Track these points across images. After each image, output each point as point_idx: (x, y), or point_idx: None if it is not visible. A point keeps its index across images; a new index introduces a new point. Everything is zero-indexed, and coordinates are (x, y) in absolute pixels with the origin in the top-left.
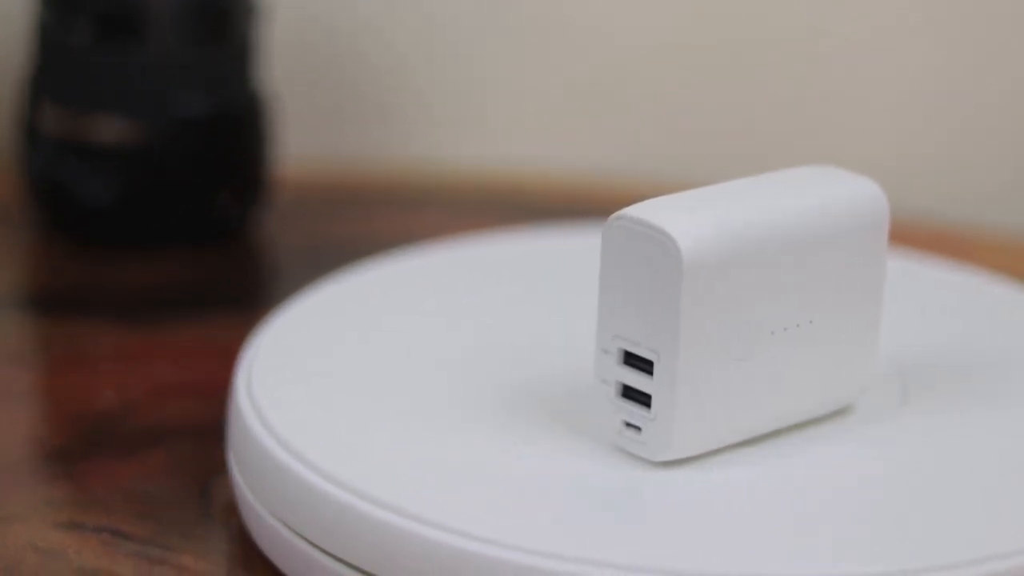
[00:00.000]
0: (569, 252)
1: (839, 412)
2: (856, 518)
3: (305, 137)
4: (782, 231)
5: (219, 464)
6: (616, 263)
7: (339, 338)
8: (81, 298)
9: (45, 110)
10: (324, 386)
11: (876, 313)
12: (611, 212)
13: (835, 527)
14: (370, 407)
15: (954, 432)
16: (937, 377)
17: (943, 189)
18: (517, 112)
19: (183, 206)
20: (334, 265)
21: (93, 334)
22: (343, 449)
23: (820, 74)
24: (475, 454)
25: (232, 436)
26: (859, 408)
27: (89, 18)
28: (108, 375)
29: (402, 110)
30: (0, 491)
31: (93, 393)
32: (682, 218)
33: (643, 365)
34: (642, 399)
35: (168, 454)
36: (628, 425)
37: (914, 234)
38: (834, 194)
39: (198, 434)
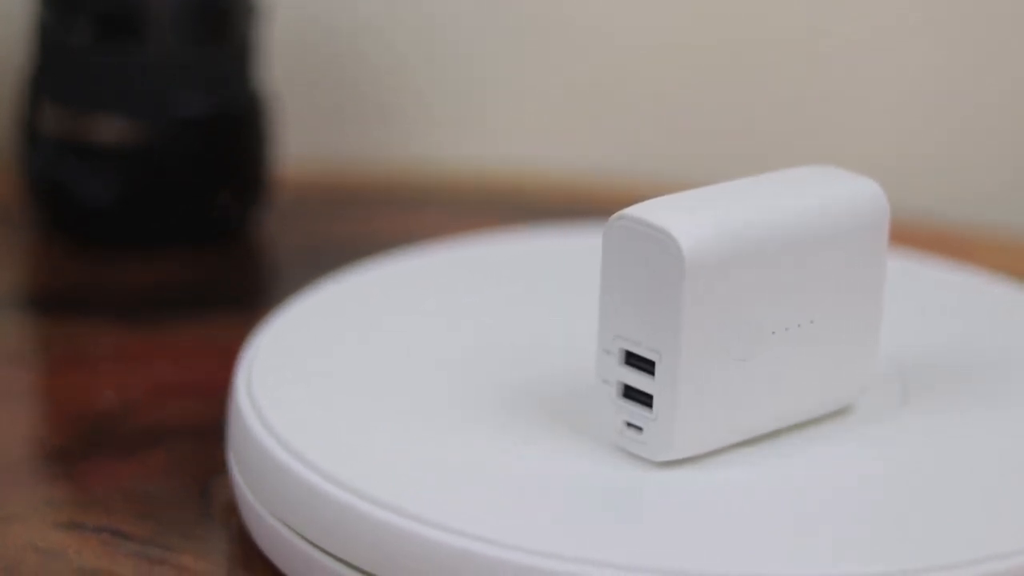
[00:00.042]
0: (569, 252)
1: (839, 412)
2: (856, 518)
3: (305, 137)
4: (783, 231)
5: (219, 464)
6: (617, 263)
7: (339, 338)
8: (81, 298)
9: (45, 110)
10: (324, 386)
11: (876, 313)
12: (611, 212)
13: (835, 527)
14: (370, 407)
15: (954, 432)
16: (937, 377)
17: (943, 189)
18: (517, 112)
19: (183, 206)
20: (334, 265)
21: (93, 334)
22: (343, 449)
23: (820, 74)
24: (475, 454)
25: (232, 436)
26: (859, 408)
27: (89, 18)
28: (108, 375)
29: (402, 110)
30: (0, 491)
31: (93, 393)
32: (683, 218)
33: (644, 365)
34: (643, 399)
35: (168, 454)
36: (629, 425)
37: (914, 234)
38: (834, 194)
39: (198, 434)
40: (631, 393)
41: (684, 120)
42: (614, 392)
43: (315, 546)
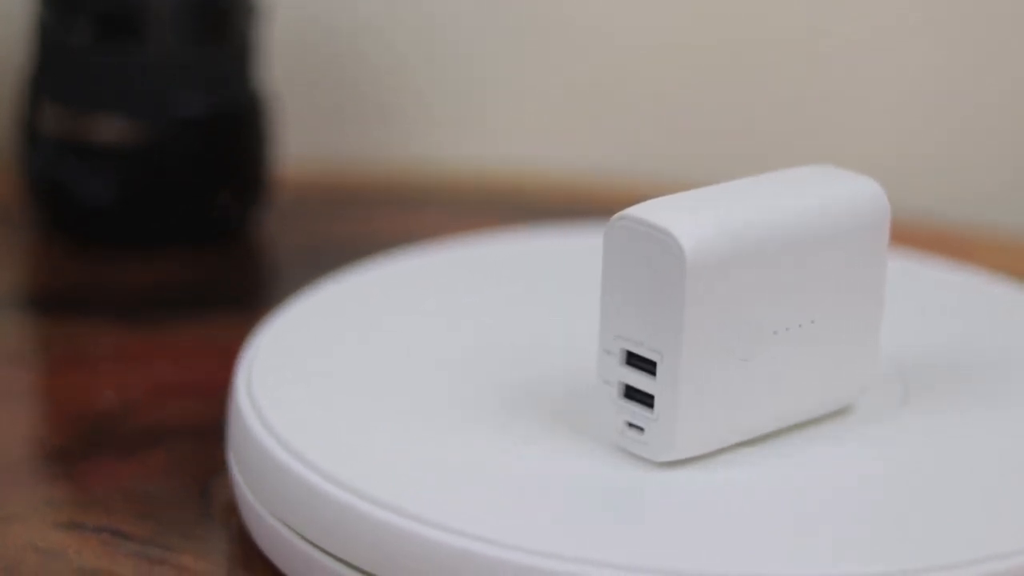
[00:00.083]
0: (569, 252)
1: (839, 412)
2: (856, 518)
3: (305, 137)
4: (784, 231)
5: (219, 464)
6: (618, 263)
7: (339, 338)
8: (81, 298)
9: (45, 110)
10: (324, 386)
11: (877, 313)
12: (611, 212)
13: (835, 527)
14: (370, 407)
15: (954, 432)
16: (937, 377)
17: (943, 189)
18: (517, 112)
19: (183, 206)
20: (334, 265)
21: (93, 334)
22: (343, 449)
23: (820, 74)
24: (475, 454)
25: (232, 436)
26: (859, 408)
27: (89, 18)
28: (108, 375)
29: (402, 110)
30: (0, 491)
31: (93, 393)
32: (685, 218)
33: (646, 366)
34: (645, 400)
35: (168, 454)
36: (630, 426)
37: (914, 234)
38: (835, 194)
39: (198, 434)
40: (632, 393)
41: (684, 120)
42: (615, 392)
43: (315, 546)
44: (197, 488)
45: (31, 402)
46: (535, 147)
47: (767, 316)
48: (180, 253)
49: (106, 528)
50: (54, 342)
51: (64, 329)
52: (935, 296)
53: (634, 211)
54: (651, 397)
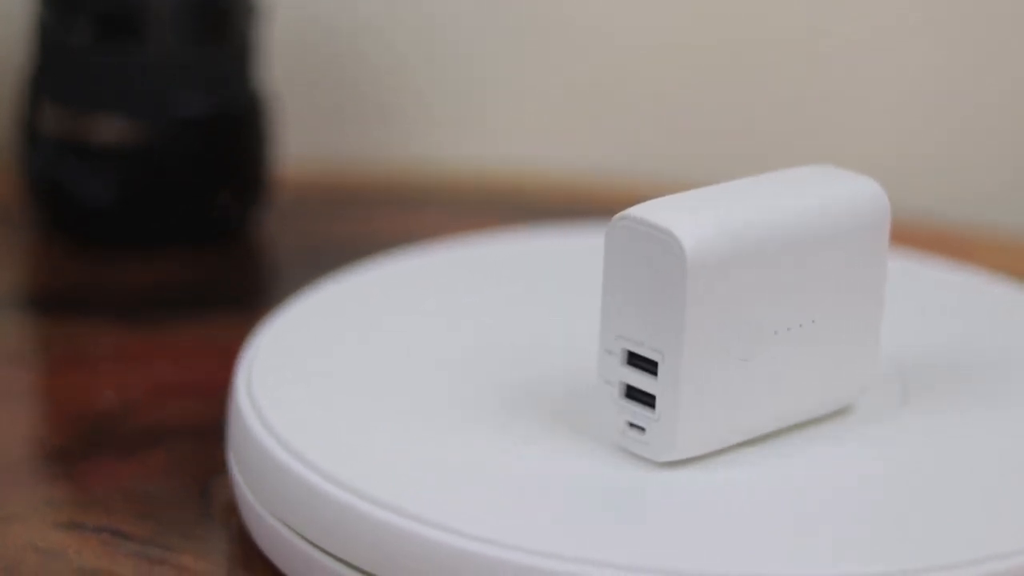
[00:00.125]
0: (569, 252)
1: (839, 412)
2: (856, 518)
3: (305, 137)
4: (785, 231)
5: (219, 464)
6: (620, 263)
7: (339, 338)
8: (81, 298)
9: (45, 110)
10: (324, 386)
11: (877, 312)
12: (611, 212)
13: (835, 527)
14: (370, 407)
15: (954, 432)
16: (937, 377)
17: (943, 189)
18: (517, 112)
19: (183, 206)
20: (334, 265)
21: (93, 334)
22: (343, 449)
23: (820, 74)
24: (475, 454)
25: (232, 436)
26: (859, 408)
27: (89, 18)
28: (108, 375)
29: (402, 110)
30: (0, 491)
31: (93, 393)
32: (685, 218)
33: (647, 366)
34: (646, 399)
35: (168, 454)
36: (632, 426)
37: (914, 234)
38: (835, 194)
39: (198, 434)
40: (633, 393)
41: (684, 120)
42: (616, 392)
43: (315, 546)
44: (197, 488)
45: (31, 402)
46: (535, 147)
47: (768, 316)
48: (180, 253)
49: (106, 528)
50: (54, 342)
51: (64, 329)
52: (935, 296)
53: (635, 211)
54: (652, 397)
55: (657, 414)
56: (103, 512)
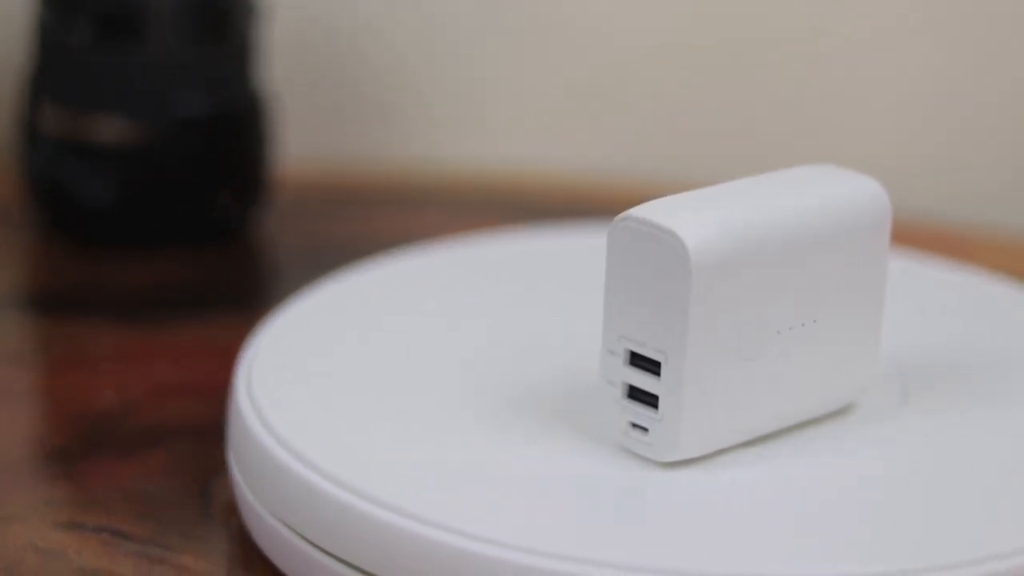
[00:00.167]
0: (569, 252)
1: (840, 412)
2: (856, 518)
3: (305, 137)
4: (787, 230)
5: (219, 464)
6: (622, 264)
7: (339, 338)
8: (81, 298)
9: (45, 110)
10: (324, 386)
11: (878, 311)
12: (611, 212)
13: (835, 527)
14: (370, 407)
15: (954, 432)
16: (937, 377)
17: (943, 189)
18: (517, 112)
19: (183, 206)
20: (334, 265)
21: (93, 334)
22: (343, 449)
23: (820, 74)
24: (475, 454)
25: (232, 436)
26: (859, 408)
27: (89, 18)
28: (108, 375)
29: (402, 110)
30: (0, 491)
31: (93, 393)
32: (688, 218)
33: (650, 366)
34: (649, 400)
35: (168, 454)
36: (634, 426)
37: (914, 234)
38: (836, 193)
39: (198, 434)
40: (636, 394)
41: (684, 120)
42: (619, 393)
43: (315, 546)
44: (197, 488)
45: (31, 402)
46: (535, 147)
47: (770, 315)
48: (180, 253)
49: (106, 528)
50: (54, 342)
51: (64, 329)
52: (935, 296)
53: (638, 211)
54: (655, 398)
55: (660, 414)
56: (103, 512)
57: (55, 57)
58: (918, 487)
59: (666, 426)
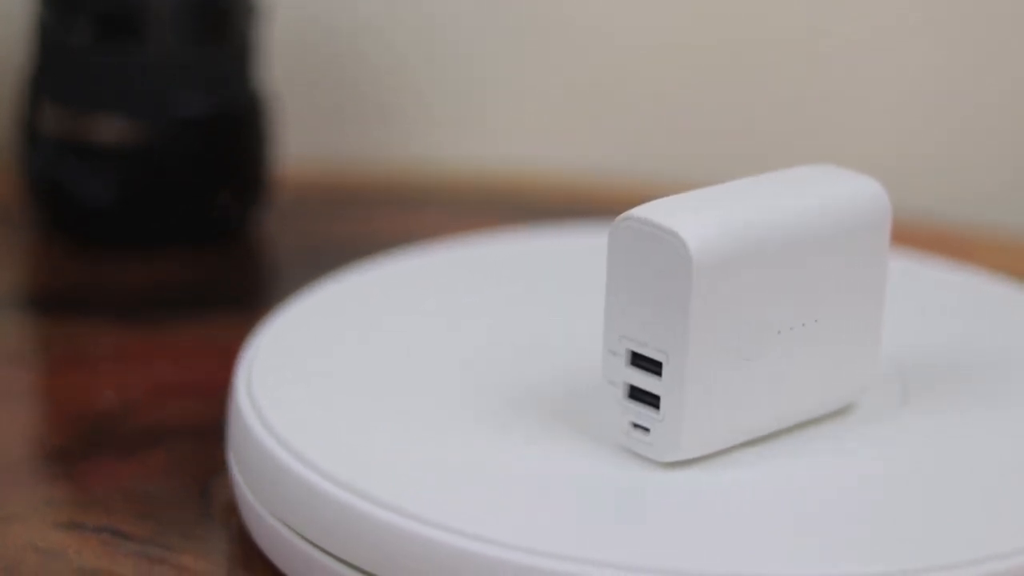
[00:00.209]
0: (569, 252)
1: (840, 412)
2: (856, 518)
3: (305, 137)
4: (787, 230)
5: (219, 464)
6: (623, 264)
7: (339, 338)
8: (81, 298)
9: (45, 110)
10: (324, 386)
11: (878, 311)
12: (611, 212)
13: (835, 527)
14: (370, 407)
15: (954, 432)
16: (937, 377)
17: (943, 189)
18: (517, 112)
19: (183, 206)
20: (334, 265)
21: (93, 334)
22: (343, 449)
23: (820, 74)
24: (475, 454)
25: (232, 436)
26: (859, 408)
27: (89, 18)
28: (108, 375)
29: (402, 110)
30: (0, 491)
31: (93, 393)
32: (690, 219)
33: (651, 366)
34: (650, 400)
35: (168, 454)
36: (636, 426)
37: (914, 234)
38: (837, 193)
39: (198, 434)
40: (637, 394)
41: (684, 120)
42: (620, 393)
43: (315, 546)
44: (197, 488)
45: (31, 402)
46: (535, 147)
47: (771, 315)
48: (180, 253)
49: (106, 528)
50: (54, 342)
51: (64, 329)
52: (935, 296)
53: (639, 211)
54: (657, 398)
55: (661, 415)
56: (103, 512)
57: (55, 57)
58: (918, 487)
59: (667, 426)
